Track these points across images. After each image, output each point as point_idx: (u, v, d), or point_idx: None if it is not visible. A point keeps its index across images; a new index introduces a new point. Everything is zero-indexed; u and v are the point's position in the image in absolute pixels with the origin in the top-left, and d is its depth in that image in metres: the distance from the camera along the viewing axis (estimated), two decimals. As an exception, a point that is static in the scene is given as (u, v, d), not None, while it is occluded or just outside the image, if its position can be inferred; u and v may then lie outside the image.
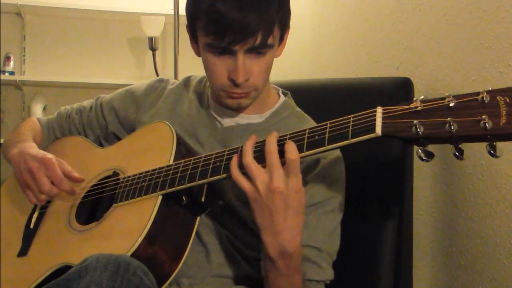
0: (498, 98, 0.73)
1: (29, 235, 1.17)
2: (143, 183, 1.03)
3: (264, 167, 0.88)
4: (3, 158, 1.28)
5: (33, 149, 1.20)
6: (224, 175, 0.94)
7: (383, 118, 0.80)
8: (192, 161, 0.99)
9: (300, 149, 0.87)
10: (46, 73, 3.30)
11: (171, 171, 1.00)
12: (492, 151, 0.74)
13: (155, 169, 1.03)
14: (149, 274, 0.89)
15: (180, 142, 1.08)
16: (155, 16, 3.09)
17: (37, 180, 1.13)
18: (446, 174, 1.34)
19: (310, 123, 1.19)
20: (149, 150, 1.11)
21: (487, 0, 1.19)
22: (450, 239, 1.33)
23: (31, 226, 1.18)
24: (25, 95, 3.29)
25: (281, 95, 1.24)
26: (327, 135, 0.86)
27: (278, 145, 0.88)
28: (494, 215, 1.19)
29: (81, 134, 1.34)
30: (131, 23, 3.30)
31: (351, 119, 0.84)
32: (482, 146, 0.76)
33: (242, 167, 0.91)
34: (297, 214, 0.88)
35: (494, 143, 0.73)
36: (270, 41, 1.03)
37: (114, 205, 1.06)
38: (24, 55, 3.30)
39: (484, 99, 0.73)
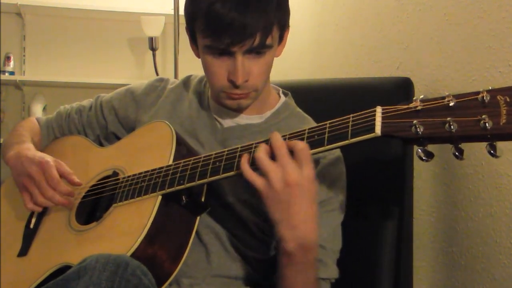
0: (498, 97, 0.73)
1: (29, 235, 1.17)
2: (143, 183, 1.03)
3: None
4: (3, 159, 1.27)
5: (30, 151, 1.19)
6: (223, 175, 0.94)
7: (383, 118, 0.80)
8: (192, 161, 0.99)
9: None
10: (46, 73, 3.30)
11: (171, 171, 1.00)
12: (492, 151, 0.73)
13: (155, 169, 1.03)
14: (148, 274, 0.89)
15: (180, 142, 1.08)
16: (155, 16, 3.09)
17: (38, 184, 1.12)
18: (446, 174, 1.34)
19: (311, 123, 1.19)
20: (149, 149, 1.11)
21: (487, 0, 1.19)
22: (450, 239, 1.33)
23: (31, 226, 1.18)
24: (25, 95, 3.29)
25: (282, 96, 1.24)
26: (326, 135, 0.86)
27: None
28: (494, 215, 1.18)
29: (81, 134, 1.34)
30: (131, 23, 3.30)
31: (351, 119, 0.84)
32: (483, 146, 0.75)
33: (252, 164, 0.90)
34: (312, 204, 0.88)
35: (494, 143, 0.73)
36: (269, 41, 1.03)
37: (114, 205, 1.06)
38: (24, 55, 3.30)
39: (484, 98, 0.73)
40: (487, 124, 0.71)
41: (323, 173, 1.08)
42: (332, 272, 1.05)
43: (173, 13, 2.80)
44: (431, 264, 1.40)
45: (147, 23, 3.08)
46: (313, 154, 0.87)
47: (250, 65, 1.04)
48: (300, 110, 1.23)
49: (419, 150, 0.78)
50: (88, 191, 1.16)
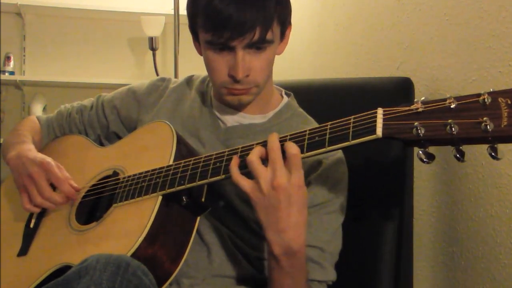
0: (499, 99, 0.72)
1: (29, 235, 1.17)
2: (143, 183, 1.03)
3: (266, 166, 0.88)
4: (3, 159, 1.27)
5: (32, 152, 1.19)
6: (224, 176, 0.94)
7: (384, 120, 0.80)
8: (192, 162, 0.99)
9: (300, 151, 0.87)
10: (46, 73, 3.30)
11: (171, 171, 1.00)
12: (493, 153, 0.73)
13: (155, 169, 1.03)
14: (149, 274, 0.89)
15: (181, 142, 1.08)
16: (155, 16, 3.09)
17: (38, 185, 1.12)
18: (446, 174, 1.34)
19: (313, 124, 1.19)
20: (149, 149, 1.11)
21: (487, 0, 1.19)
22: (451, 239, 1.33)
23: (31, 225, 1.18)
24: (25, 95, 3.29)
25: (284, 96, 1.24)
26: (327, 136, 0.86)
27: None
28: (495, 215, 1.18)
29: (82, 133, 1.34)
30: (131, 23, 3.30)
31: (352, 120, 0.84)
32: (483, 146, 0.75)
33: (241, 168, 0.91)
34: (300, 211, 0.88)
35: (495, 145, 0.73)
36: (269, 36, 1.03)
37: (114, 205, 1.06)
38: (24, 55, 3.30)
39: (486, 100, 0.73)
40: (488, 127, 0.71)
41: (325, 175, 1.08)
42: (329, 274, 1.05)
43: (173, 13, 2.80)
44: (431, 264, 1.40)
45: (147, 23, 3.08)
46: (314, 155, 0.87)
47: (250, 60, 1.05)
48: (302, 111, 1.23)
49: (420, 152, 0.78)
50: (88, 191, 1.16)
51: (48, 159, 1.15)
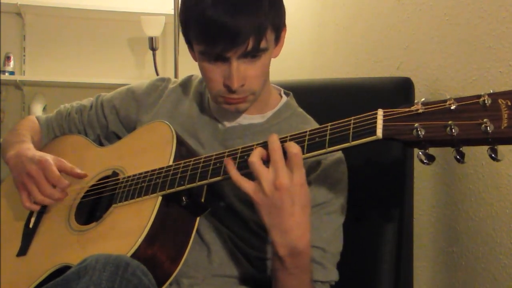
0: (499, 101, 0.72)
1: (28, 235, 1.17)
2: (143, 184, 1.03)
3: (267, 167, 0.87)
4: (2, 158, 1.27)
5: (30, 150, 1.19)
6: (224, 177, 0.93)
7: (384, 121, 0.80)
8: (192, 162, 0.99)
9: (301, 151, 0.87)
10: (46, 73, 3.30)
11: (171, 172, 1.00)
12: (493, 155, 0.73)
13: (155, 170, 1.03)
14: (149, 274, 0.89)
15: (180, 142, 1.08)
16: (155, 16, 3.09)
17: (38, 183, 1.12)
18: (446, 174, 1.34)
19: (312, 123, 1.19)
20: (149, 150, 1.11)
21: (487, 0, 1.19)
22: (451, 239, 1.33)
23: (31, 225, 1.18)
24: (25, 95, 3.30)
25: (283, 96, 1.24)
26: (327, 137, 0.85)
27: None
28: (495, 215, 1.18)
29: (81, 133, 1.34)
30: (131, 23, 3.30)
31: (352, 121, 0.84)
32: (483, 146, 0.75)
33: (242, 169, 0.90)
34: (304, 210, 0.88)
35: (495, 147, 0.73)
36: (263, 45, 1.02)
37: (114, 205, 1.05)
38: (24, 55, 3.30)
39: (486, 102, 0.73)
40: (488, 128, 0.71)
41: (324, 175, 1.08)
42: (331, 275, 1.05)
43: (173, 13, 2.80)
44: (431, 265, 1.40)
45: (147, 23, 3.08)
46: (314, 156, 0.87)
47: (245, 69, 1.04)
48: (302, 110, 1.23)
49: (420, 153, 0.78)
50: (88, 191, 1.16)
51: (47, 157, 1.15)
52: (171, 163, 1.03)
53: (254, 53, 1.02)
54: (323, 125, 0.88)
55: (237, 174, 0.90)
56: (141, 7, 3.26)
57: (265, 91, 1.16)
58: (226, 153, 0.95)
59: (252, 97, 1.09)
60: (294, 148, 0.85)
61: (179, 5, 1.10)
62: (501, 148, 0.73)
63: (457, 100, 0.75)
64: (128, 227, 0.99)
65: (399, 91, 1.31)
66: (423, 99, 0.79)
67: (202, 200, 1.04)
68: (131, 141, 1.20)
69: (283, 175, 0.85)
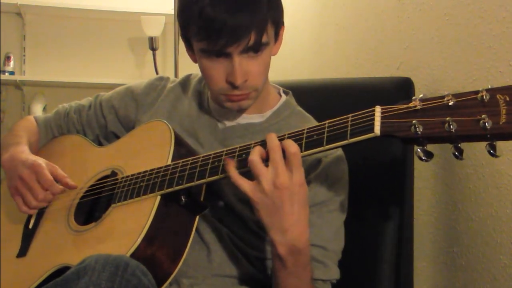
0: (498, 96, 0.72)
1: (28, 236, 1.17)
2: (142, 183, 1.02)
3: (266, 165, 0.87)
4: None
5: (24, 153, 1.19)
6: (222, 175, 0.93)
7: (382, 118, 0.80)
8: (191, 161, 0.99)
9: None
10: (46, 73, 3.30)
11: (170, 171, 1.00)
12: (492, 151, 0.73)
13: (154, 169, 1.03)
14: (148, 274, 0.89)
15: (179, 142, 1.08)
16: (155, 16, 3.09)
17: (30, 188, 1.12)
18: (446, 174, 1.34)
19: (312, 122, 1.19)
20: (148, 149, 1.11)
21: (488, 0, 1.19)
22: (451, 239, 1.33)
23: (30, 226, 1.18)
24: (25, 95, 3.30)
25: (282, 95, 1.24)
26: (325, 135, 0.85)
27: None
28: (495, 215, 1.18)
29: (80, 133, 1.33)
30: (131, 23, 3.30)
31: (350, 118, 0.84)
32: (483, 146, 0.75)
33: (240, 167, 0.90)
34: (303, 208, 0.88)
35: (494, 143, 0.73)
36: (264, 39, 1.02)
37: (113, 205, 1.05)
38: (24, 55, 3.30)
39: (484, 97, 0.73)
40: (486, 124, 0.71)
41: (325, 173, 1.08)
42: (333, 273, 1.05)
43: (173, 13, 2.80)
44: (431, 265, 1.40)
45: (147, 23, 3.08)
46: (312, 154, 0.87)
47: (247, 64, 1.04)
48: (301, 109, 1.23)
49: (419, 150, 0.78)
50: (87, 191, 1.16)
51: (39, 161, 1.15)
52: (169, 162, 1.03)
53: (256, 48, 1.02)
54: (321, 123, 0.88)
55: (236, 173, 0.90)
56: (141, 7, 3.26)
57: (264, 90, 1.15)
58: (224, 152, 0.95)
59: (255, 93, 1.09)
60: (292, 147, 0.85)
61: (177, 6, 1.09)
62: (499, 145, 0.73)
63: (455, 96, 0.75)
64: (127, 227, 0.99)
65: (399, 91, 1.31)
66: (421, 95, 0.78)
67: (201, 199, 1.04)
68: (129, 141, 1.19)
69: (283, 174, 0.85)
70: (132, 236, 0.94)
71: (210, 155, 0.97)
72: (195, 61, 1.12)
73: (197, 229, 1.04)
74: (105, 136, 1.32)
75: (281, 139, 0.89)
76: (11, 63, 3.21)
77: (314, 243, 1.02)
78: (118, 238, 0.99)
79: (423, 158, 0.77)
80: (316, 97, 1.42)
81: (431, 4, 1.39)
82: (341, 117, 0.85)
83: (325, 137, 0.85)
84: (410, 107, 0.78)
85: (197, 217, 1.03)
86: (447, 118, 0.74)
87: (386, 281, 1.20)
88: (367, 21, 1.72)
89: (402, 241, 1.22)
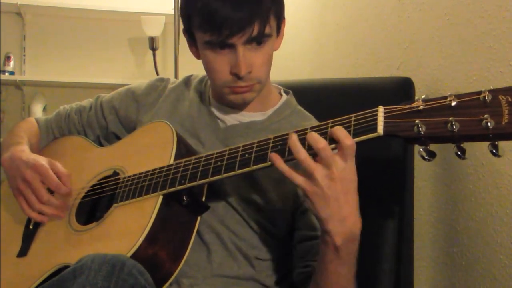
0: (500, 97, 0.73)
1: (28, 236, 1.16)
2: (144, 183, 1.03)
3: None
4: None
5: (24, 153, 1.19)
6: (225, 175, 0.93)
7: (385, 118, 0.80)
8: (193, 161, 0.99)
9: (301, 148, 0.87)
10: (46, 73, 3.30)
11: (172, 171, 1.00)
12: (494, 151, 0.74)
13: (156, 169, 1.03)
14: (145, 273, 0.89)
15: (181, 142, 1.08)
16: (155, 16, 3.09)
17: (35, 190, 1.12)
18: (446, 174, 1.34)
19: (313, 121, 1.19)
20: (149, 149, 1.11)
21: (488, 0, 1.19)
22: (451, 239, 1.33)
23: (31, 226, 1.17)
24: (25, 95, 3.30)
25: (283, 94, 1.24)
26: (328, 134, 0.85)
27: (299, 139, 0.86)
28: (495, 215, 1.18)
29: (81, 134, 1.34)
30: (131, 23, 3.30)
31: (353, 118, 0.84)
32: (483, 146, 0.75)
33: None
34: (355, 194, 0.87)
35: (496, 143, 0.73)
36: (267, 30, 1.04)
37: (114, 205, 1.05)
38: (24, 55, 3.30)
39: (486, 98, 0.73)
40: (489, 124, 0.72)
41: None
42: None
43: (173, 13, 2.80)
44: (431, 265, 1.40)
45: (147, 23, 3.08)
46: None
47: (251, 56, 1.05)
48: (302, 108, 1.24)
49: (421, 150, 0.78)
50: (88, 191, 1.16)
51: (41, 161, 1.14)
52: (171, 162, 1.03)
53: (260, 39, 1.03)
54: (324, 122, 0.88)
55: (288, 168, 0.87)
56: (141, 7, 3.26)
57: (266, 89, 1.16)
58: (227, 151, 0.95)
59: (258, 86, 1.10)
60: (347, 141, 0.82)
61: (179, 1, 1.10)
62: (501, 145, 0.73)
63: (457, 96, 0.76)
64: (128, 226, 0.99)
65: (399, 91, 1.31)
66: (423, 96, 0.79)
67: (203, 199, 1.04)
68: (131, 141, 1.20)
69: (336, 166, 0.83)
70: (134, 236, 0.94)
71: (213, 154, 0.97)
72: (198, 57, 1.12)
73: (197, 230, 1.04)
74: (105, 136, 1.32)
75: (283, 138, 0.88)
76: (11, 63, 3.21)
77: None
78: (119, 238, 0.99)
79: (426, 157, 0.78)
80: (316, 97, 1.42)
81: (431, 4, 1.39)
82: (344, 117, 0.85)
83: (328, 137, 0.85)
84: (413, 107, 0.79)
85: (199, 218, 1.03)
86: (450, 118, 0.74)
87: (386, 281, 1.20)
88: (367, 21, 1.72)
89: (402, 241, 1.22)
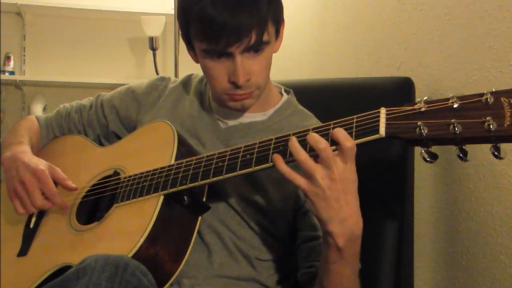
0: (502, 99, 0.73)
1: (29, 235, 1.16)
2: (145, 183, 1.03)
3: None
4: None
5: (26, 155, 1.18)
6: (227, 176, 0.93)
7: (387, 119, 0.80)
8: (194, 161, 0.99)
9: (303, 149, 0.87)
10: (46, 73, 3.30)
11: (173, 171, 1.00)
12: (496, 153, 0.74)
13: (157, 169, 1.03)
14: (148, 274, 0.89)
15: (182, 142, 1.08)
16: (155, 15, 3.09)
17: (30, 193, 1.12)
18: (447, 174, 1.34)
19: (314, 121, 1.19)
20: (150, 149, 1.11)
21: (488, 0, 1.19)
22: (451, 239, 1.33)
23: (31, 225, 1.17)
24: (25, 95, 3.30)
25: (284, 94, 1.24)
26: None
27: (301, 140, 0.86)
28: (495, 215, 1.18)
29: (81, 133, 1.33)
30: (131, 22, 3.30)
31: (355, 119, 0.84)
32: (483, 146, 0.76)
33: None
34: (356, 194, 0.87)
35: (498, 145, 0.73)
36: (265, 38, 1.03)
37: (115, 205, 1.05)
38: (24, 55, 3.30)
39: (488, 100, 0.73)
40: (491, 126, 0.72)
41: None
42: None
43: (173, 13, 2.80)
44: (432, 265, 1.40)
45: (147, 23, 3.08)
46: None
47: (249, 63, 1.04)
48: (302, 108, 1.23)
49: (423, 151, 0.78)
50: (89, 190, 1.15)
51: (42, 166, 1.14)
52: (172, 162, 1.03)
53: (257, 47, 1.02)
54: (325, 123, 0.88)
55: (290, 170, 0.87)
56: (141, 7, 3.26)
57: (266, 89, 1.16)
58: (229, 152, 0.95)
59: (257, 92, 1.09)
60: (347, 143, 0.82)
61: (177, 7, 1.09)
62: (503, 147, 0.73)
63: (459, 98, 0.76)
64: (129, 226, 0.99)
65: (399, 91, 1.31)
66: (425, 98, 0.79)
67: (204, 199, 1.04)
68: (132, 141, 1.20)
69: (337, 168, 0.83)
70: (135, 236, 0.94)
71: (214, 155, 0.97)
72: (196, 61, 1.12)
73: (197, 230, 1.04)
74: (105, 136, 1.32)
75: (285, 138, 0.88)
76: (11, 63, 3.21)
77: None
78: (120, 238, 0.99)
79: (428, 159, 0.78)
80: (316, 97, 1.42)
81: (431, 4, 1.39)
82: (346, 118, 0.85)
83: (330, 138, 0.85)
84: (415, 109, 0.79)
85: (200, 218, 1.03)
86: (452, 120, 0.74)
87: (386, 281, 1.20)
88: (367, 21, 1.72)
89: (402, 241, 1.22)
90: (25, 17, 3.28)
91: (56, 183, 1.14)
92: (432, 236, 1.40)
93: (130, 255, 0.92)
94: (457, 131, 0.74)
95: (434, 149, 0.78)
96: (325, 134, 0.85)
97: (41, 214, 1.19)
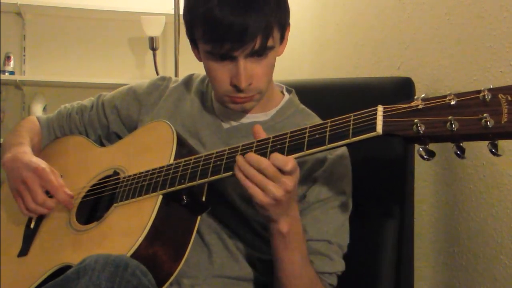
0: (499, 96, 0.73)
1: (29, 235, 1.16)
2: (144, 183, 1.03)
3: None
4: (2, 160, 1.26)
5: (27, 155, 1.19)
6: (225, 174, 0.93)
7: (384, 117, 0.80)
8: (193, 161, 0.99)
9: (301, 148, 0.87)
10: (46, 73, 3.31)
11: (172, 171, 1.00)
12: (493, 150, 0.74)
13: (155, 169, 1.03)
14: (148, 274, 0.89)
15: (181, 142, 1.08)
16: (155, 15, 3.09)
17: (32, 191, 1.12)
18: (447, 174, 1.34)
19: (316, 120, 1.19)
20: (150, 149, 1.11)
21: (488, 0, 1.19)
22: (451, 239, 1.33)
23: (31, 226, 1.18)
24: (25, 95, 3.30)
25: (286, 93, 1.24)
26: (327, 133, 0.85)
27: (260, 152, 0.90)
28: (496, 215, 1.18)
29: (82, 134, 1.33)
30: (131, 22, 3.30)
31: (352, 117, 0.84)
32: (483, 146, 0.75)
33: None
34: (295, 194, 0.95)
35: (496, 142, 0.73)
36: (270, 43, 1.02)
37: (115, 204, 1.05)
38: (24, 55, 3.30)
39: (486, 97, 0.73)
40: (488, 123, 0.72)
41: (330, 171, 1.09)
42: (338, 266, 1.06)
43: (173, 12, 2.80)
44: (432, 265, 1.40)
45: (147, 23, 3.08)
46: (315, 153, 0.87)
47: (252, 68, 1.03)
48: (304, 107, 1.23)
49: (420, 149, 0.78)
50: (89, 190, 1.16)
51: (43, 165, 1.14)
52: (171, 162, 1.03)
53: (262, 52, 1.02)
54: (323, 122, 0.88)
55: (245, 178, 0.90)
56: (141, 7, 3.26)
57: (268, 89, 1.15)
58: (227, 151, 0.95)
59: (258, 96, 1.09)
60: (288, 165, 0.87)
61: (183, 5, 1.09)
62: (501, 144, 0.73)
63: (457, 95, 0.76)
64: (128, 226, 0.99)
65: (399, 91, 1.31)
66: (423, 95, 0.79)
67: (203, 199, 1.04)
68: (132, 141, 1.19)
69: (289, 181, 0.88)
70: (134, 235, 0.94)
71: (213, 154, 0.97)
72: (199, 59, 1.11)
73: (198, 230, 1.04)
74: (107, 136, 1.32)
75: (282, 138, 0.90)
76: (11, 63, 3.21)
77: (318, 238, 1.05)
78: (119, 238, 0.99)
79: (425, 157, 0.78)
80: (317, 97, 1.42)
81: (431, 4, 1.39)
82: (343, 116, 0.85)
83: (327, 136, 0.85)
84: (412, 107, 0.79)
85: (199, 217, 1.03)
86: (449, 117, 0.74)
87: (386, 281, 1.20)
88: (368, 21, 1.72)
89: (402, 241, 1.22)
90: (25, 17, 3.28)
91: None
92: (432, 236, 1.40)
93: (129, 254, 0.92)
94: (454, 128, 0.74)
95: (432, 147, 0.78)
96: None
97: (41, 214, 1.19)
